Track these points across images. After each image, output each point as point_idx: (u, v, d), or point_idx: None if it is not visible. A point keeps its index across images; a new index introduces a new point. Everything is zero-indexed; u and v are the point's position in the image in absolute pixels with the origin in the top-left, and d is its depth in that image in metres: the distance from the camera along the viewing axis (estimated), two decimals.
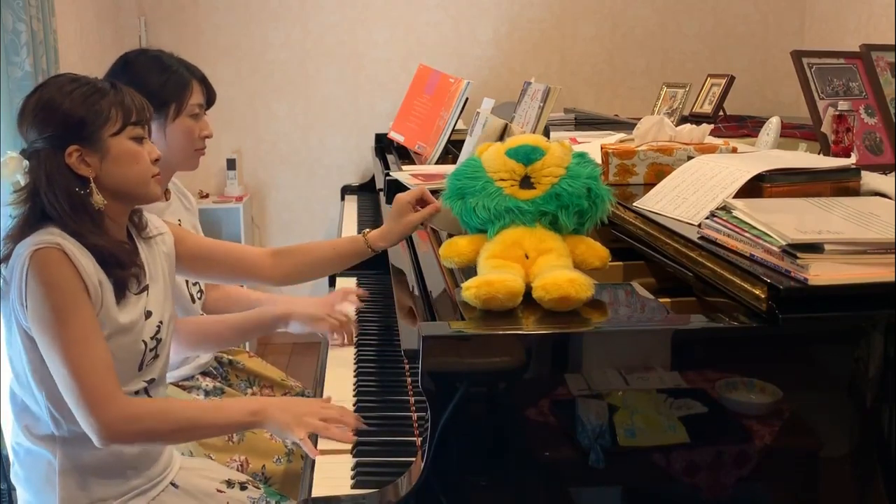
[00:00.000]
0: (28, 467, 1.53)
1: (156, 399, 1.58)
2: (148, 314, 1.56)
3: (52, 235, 1.43)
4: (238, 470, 1.87)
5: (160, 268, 1.63)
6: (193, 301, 2.03)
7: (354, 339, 2.00)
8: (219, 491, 1.65)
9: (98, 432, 1.40)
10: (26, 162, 1.48)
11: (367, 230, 1.82)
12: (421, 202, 1.73)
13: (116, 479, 1.53)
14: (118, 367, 1.45)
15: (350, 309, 2.11)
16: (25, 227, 1.47)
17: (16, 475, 1.55)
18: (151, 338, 1.56)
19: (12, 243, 1.46)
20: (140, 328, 1.53)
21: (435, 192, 1.72)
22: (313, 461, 1.44)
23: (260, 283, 1.90)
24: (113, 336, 1.47)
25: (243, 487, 1.68)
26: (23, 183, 1.49)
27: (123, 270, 1.50)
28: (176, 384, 1.98)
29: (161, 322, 1.59)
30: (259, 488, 1.71)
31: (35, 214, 1.47)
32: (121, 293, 1.50)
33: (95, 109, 1.47)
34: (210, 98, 2.00)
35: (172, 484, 1.62)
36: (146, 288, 1.57)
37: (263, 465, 1.91)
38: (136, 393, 1.54)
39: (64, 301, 1.40)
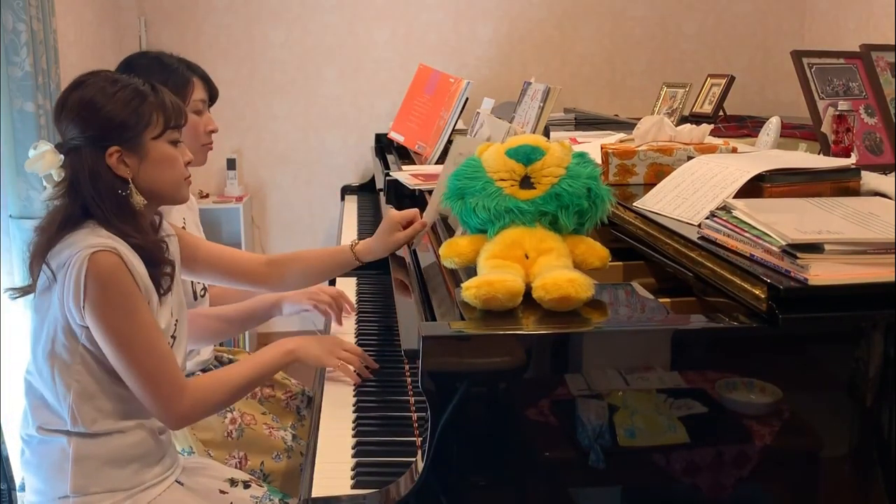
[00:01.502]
0: (41, 454, 1.54)
1: (211, 375, 1.65)
2: (169, 288, 1.60)
3: (103, 238, 1.46)
4: (237, 466, 1.87)
5: (176, 270, 1.66)
6: (196, 298, 2.04)
7: (355, 307, 2.07)
8: (221, 491, 1.66)
9: (175, 422, 1.53)
10: (62, 157, 1.50)
11: (356, 241, 1.90)
12: (413, 221, 1.83)
13: (127, 471, 1.54)
14: None
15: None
16: (67, 223, 1.49)
17: (27, 463, 1.56)
18: (170, 336, 1.60)
19: (52, 237, 1.48)
20: (167, 327, 1.58)
21: None
22: (313, 461, 1.44)
23: (254, 287, 1.95)
24: None
25: (246, 486, 1.69)
26: (56, 178, 1.51)
27: (160, 268, 1.55)
28: None
29: (177, 320, 1.63)
30: (262, 486, 1.71)
31: (76, 210, 1.49)
32: (160, 292, 1.55)
33: (138, 112, 1.51)
34: (212, 94, 2.03)
35: (178, 482, 1.63)
36: (171, 287, 1.61)
37: (262, 462, 1.92)
38: None
39: (128, 304, 1.45)
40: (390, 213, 1.85)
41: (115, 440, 1.52)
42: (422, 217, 1.84)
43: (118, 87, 1.51)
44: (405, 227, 1.83)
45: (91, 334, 1.46)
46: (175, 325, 1.61)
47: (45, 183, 1.53)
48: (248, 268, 1.87)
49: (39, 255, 1.49)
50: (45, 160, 1.49)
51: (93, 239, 1.45)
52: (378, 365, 1.78)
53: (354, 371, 1.74)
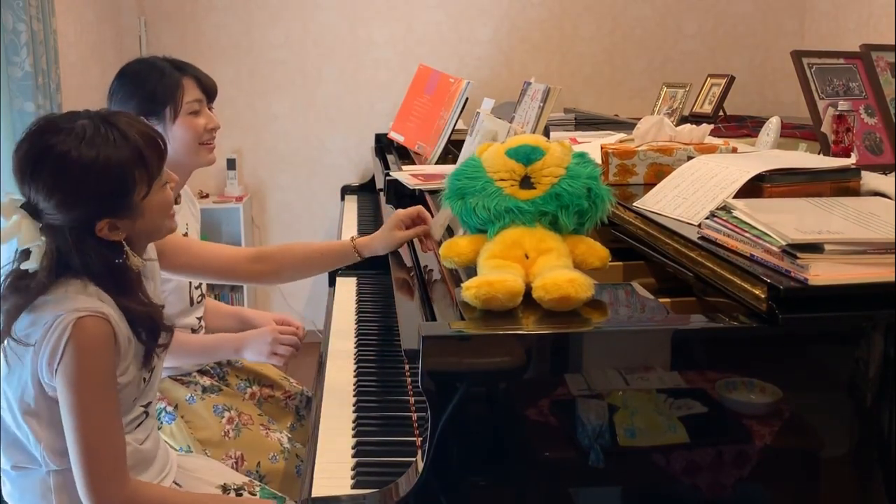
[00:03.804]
0: (22, 488, 1.50)
1: (162, 489, 1.55)
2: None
3: (93, 299, 1.38)
4: (233, 466, 1.87)
5: (150, 293, 1.58)
6: (192, 304, 2.03)
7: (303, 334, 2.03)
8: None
9: None
10: (39, 225, 1.38)
11: (356, 236, 1.87)
12: (417, 220, 1.79)
13: None
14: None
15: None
16: (50, 275, 1.38)
17: (10, 495, 1.52)
18: (143, 380, 1.52)
19: (35, 291, 1.38)
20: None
21: (435, 193, 1.73)
22: (314, 461, 1.44)
23: (239, 282, 1.92)
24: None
25: (239, 493, 1.68)
26: (27, 244, 1.39)
27: (157, 338, 1.46)
28: (174, 378, 1.98)
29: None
30: (254, 494, 1.70)
31: (60, 265, 1.39)
32: (147, 364, 1.47)
33: (122, 181, 1.38)
34: (208, 92, 2.00)
35: (176, 483, 1.62)
36: (160, 356, 1.53)
37: (259, 462, 1.92)
38: (137, 418, 1.52)
39: (98, 382, 1.37)
40: (397, 211, 1.83)
41: None
42: (431, 219, 1.82)
43: (94, 154, 1.35)
44: (409, 227, 1.80)
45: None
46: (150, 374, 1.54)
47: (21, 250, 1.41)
48: (231, 261, 1.82)
49: (15, 312, 1.39)
50: (23, 233, 1.38)
51: (82, 300, 1.37)
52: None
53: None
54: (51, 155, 1.35)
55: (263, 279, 1.89)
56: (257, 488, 1.74)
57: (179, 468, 1.66)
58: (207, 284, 2.17)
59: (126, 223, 1.41)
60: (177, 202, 2.01)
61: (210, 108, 2.02)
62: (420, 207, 1.82)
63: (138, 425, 1.53)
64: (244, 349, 1.98)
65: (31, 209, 1.38)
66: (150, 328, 1.45)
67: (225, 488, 1.67)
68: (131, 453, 1.50)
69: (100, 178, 1.36)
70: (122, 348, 1.40)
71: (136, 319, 1.42)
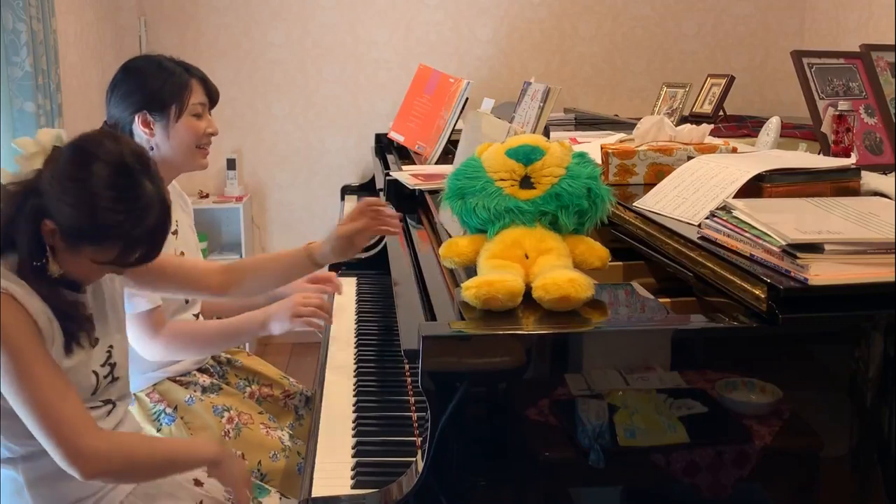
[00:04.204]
0: None
1: (131, 432, 1.56)
2: (95, 341, 1.50)
3: (3, 280, 1.37)
4: None
5: (104, 294, 1.58)
6: (187, 302, 2.03)
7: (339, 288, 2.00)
8: (197, 482, 1.64)
9: (80, 467, 1.37)
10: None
11: (311, 242, 1.85)
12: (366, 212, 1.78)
13: None
14: None
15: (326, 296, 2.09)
16: None
17: None
18: (102, 364, 1.51)
19: None
20: (87, 360, 1.48)
21: (435, 193, 1.73)
22: (313, 461, 1.44)
23: (209, 297, 1.89)
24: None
25: None
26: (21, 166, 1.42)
27: (74, 325, 1.45)
28: (173, 379, 1.98)
29: (111, 346, 1.54)
30: None
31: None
32: (69, 346, 1.44)
33: (104, 229, 1.37)
34: (212, 96, 2.01)
35: None
36: (90, 342, 1.51)
37: (259, 461, 1.92)
38: (99, 408, 1.51)
39: (21, 346, 1.35)
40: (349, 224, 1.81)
41: None
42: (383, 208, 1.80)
43: (117, 192, 1.37)
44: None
45: None
46: (109, 352, 1.53)
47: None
48: (200, 276, 1.81)
49: None
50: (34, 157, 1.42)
51: None
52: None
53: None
54: (92, 157, 1.38)
55: (230, 290, 1.85)
56: None
57: None
58: None
59: (64, 256, 1.40)
60: None
61: (210, 114, 2.02)
62: (367, 199, 1.81)
63: (108, 413, 1.53)
64: (269, 322, 1.94)
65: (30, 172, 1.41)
66: (67, 316, 1.43)
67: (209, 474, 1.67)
68: None
69: (109, 215, 1.35)
70: (41, 326, 1.38)
71: (51, 306, 1.41)
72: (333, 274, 2.01)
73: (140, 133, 1.92)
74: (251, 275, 1.85)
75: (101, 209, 1.35)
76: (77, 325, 1.45)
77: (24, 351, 1.35)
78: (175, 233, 2.03)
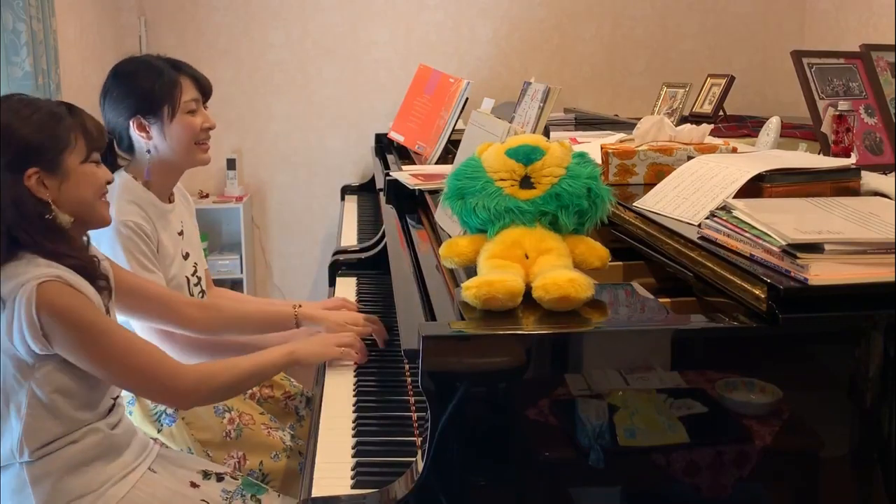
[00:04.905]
0: None
1: (216, 361, 1.71)
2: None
3: (43, 268, 1.44)
4: (235, 467, 1.87)
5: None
6: (190, 287, 2.03)
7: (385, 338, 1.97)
8: (193, 484, 1.65)
9: (180, 403, 1.61)
10: None
11: (298, 304, 1.98)
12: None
13: (89, 474, 1.53)
14: None
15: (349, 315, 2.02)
16: None
17: None
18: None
19: None
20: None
21: (435, 193, 1.73)
22: (313, 461, 1.44)
23: (184, 330, 1.90)
24: None
25: (220, 479, 1.68)
26: None
27: (96, 283, 1.54)
28: None
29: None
30: (236, 480, 1.70)
31: (3, 240, 1.46)
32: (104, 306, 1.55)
33: (56, 134, 1.49)
34: (204, 91, 2.00)
35: (151, 469, 1.62)
36: (111, 298, 1.61)
37: (261, 462, 1.92)
38: (107, 403, 1.59)
39: (91, 319, 1.46)
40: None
41: (68, 451, 1.50)
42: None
43: (32, 110, 1.50)
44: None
45: (43, 360, 1.45)
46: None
47: None
48: (178, 309, 1.85)
49: None
50: None
51: (34, 270, 1.44)
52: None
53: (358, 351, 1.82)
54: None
55: (196, 326, 1.88)
56: (239, 476, 1.74)
57: (159, 456, 1.67)
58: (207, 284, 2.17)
59: (54, 183, 1.49)
60: (170, 201, 2.02)
61: (205, 107, 2.02)
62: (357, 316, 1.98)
63: (110, 410, 1.58)
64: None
65: None
66: (90, 276, 1.52)
67: (206, 473, 1.68)
68: (101, 440, 1.55)
69: (35, 126, 1.48)
70: (91, 296, 1.48)
71: (80, 271, 1.50)
72: (376, 318, 2.00)
73: (137, 138, 1.92)
74: (233, 325, 1.95)
75: (42, 121, 1.48)
76: (103, 284, 1.56)
77: (96, 323, 1.47)
78: (181, 234, 2.03)
